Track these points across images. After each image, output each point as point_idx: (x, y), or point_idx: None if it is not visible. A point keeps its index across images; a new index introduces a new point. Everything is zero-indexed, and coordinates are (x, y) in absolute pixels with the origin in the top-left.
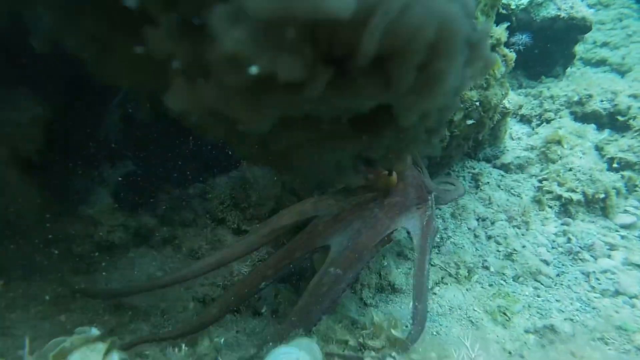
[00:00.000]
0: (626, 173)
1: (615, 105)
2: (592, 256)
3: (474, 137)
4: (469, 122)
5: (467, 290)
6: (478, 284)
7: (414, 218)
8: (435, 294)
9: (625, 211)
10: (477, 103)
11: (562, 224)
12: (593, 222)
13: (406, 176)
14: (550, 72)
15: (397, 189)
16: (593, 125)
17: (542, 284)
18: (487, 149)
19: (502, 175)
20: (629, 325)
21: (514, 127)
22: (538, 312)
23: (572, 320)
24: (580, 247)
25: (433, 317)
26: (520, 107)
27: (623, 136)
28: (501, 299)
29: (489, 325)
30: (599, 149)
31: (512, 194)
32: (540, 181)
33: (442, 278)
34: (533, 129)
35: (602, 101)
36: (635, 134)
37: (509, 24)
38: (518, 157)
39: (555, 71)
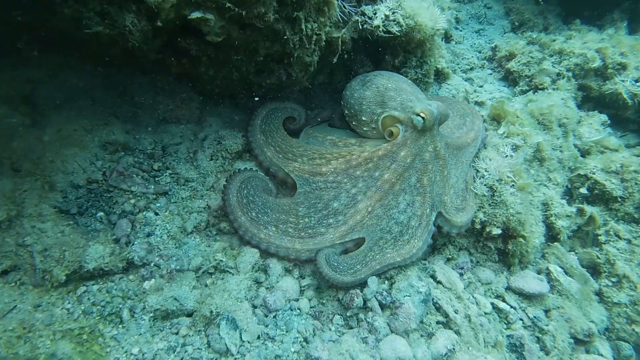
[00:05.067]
0: (589, 209)
1: None
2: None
3: None
4: None
5: None
6: None
7: None
8: None
9: (547, 271)
10: None
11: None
12: (457, 269)
13: None
14: (600, 16)
15: None
16: (603, 117)
17: None
18: None
19: None
20: None
21: (486, 85)
22: None
23: None
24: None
25: None
26: (512, 55)
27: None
28: None
29: None
30: (584, 153)
31: None
32: None
33: None
34: (515, 94)
35: (635, 81)
36: None
37: None
38: None
39: (608, 18)
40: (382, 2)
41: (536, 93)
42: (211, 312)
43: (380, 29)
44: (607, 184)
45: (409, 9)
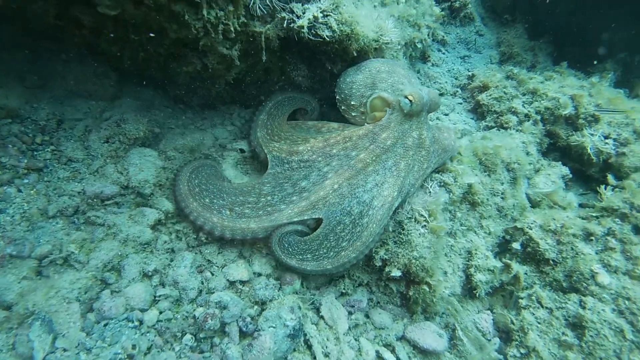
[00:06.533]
0: (515, 266)
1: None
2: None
3: None
4: None
5: None
6: None
7: None
8: None
9: (454, 327)
10: None
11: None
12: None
13: None
14: (592, 64)
15: None
16: (565, 170)
17: None
18: None
19: None
20: None
21: (452, 114)
22: None
23: None
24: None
25: None
26: (485, 87)
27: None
28: None
29: None
30: (534, 205)
31: None
32: None
33: None
34: (479, 129)
35: (605, 137)
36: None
37: None
38: None
39: (600, 66)
40: (316, 1)
41: (495, 131)
42: (27, 309)
43: (305, 31)
44: (541, 243)
45: (346, 14)
